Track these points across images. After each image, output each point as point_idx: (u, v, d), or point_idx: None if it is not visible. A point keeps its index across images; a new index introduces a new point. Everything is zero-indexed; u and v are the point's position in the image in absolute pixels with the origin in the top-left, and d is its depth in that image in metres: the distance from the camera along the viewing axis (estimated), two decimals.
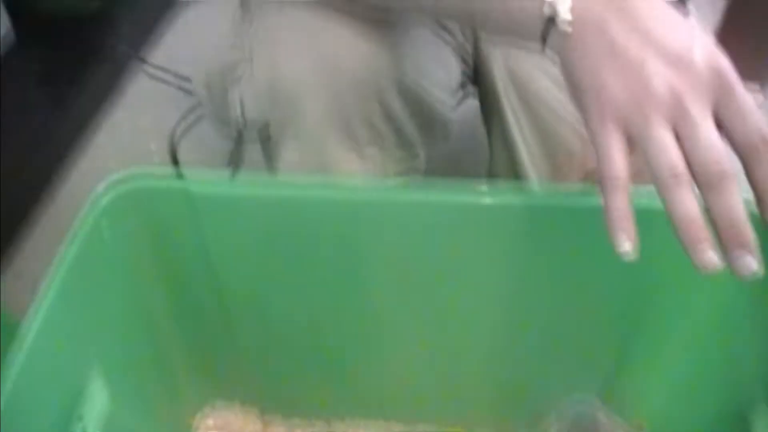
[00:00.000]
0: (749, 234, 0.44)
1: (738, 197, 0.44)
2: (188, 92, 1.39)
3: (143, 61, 1.48)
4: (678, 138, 0.45)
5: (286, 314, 0.70)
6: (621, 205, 0.46)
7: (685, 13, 0.53)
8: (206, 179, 0.60)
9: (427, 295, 0.67)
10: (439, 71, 0.73)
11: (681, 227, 0.44)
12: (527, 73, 0.78)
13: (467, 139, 1.05)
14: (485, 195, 0.60)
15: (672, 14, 0.49)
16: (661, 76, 0.46)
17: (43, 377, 0.53)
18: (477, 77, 0.85)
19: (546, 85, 0.77)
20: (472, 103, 0.90)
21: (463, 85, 0.84)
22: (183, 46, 1.58)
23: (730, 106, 0.46)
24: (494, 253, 0.64)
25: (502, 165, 0.82)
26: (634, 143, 0.47)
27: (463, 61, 0.82)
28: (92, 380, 0.60)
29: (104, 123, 1.41)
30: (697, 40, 0.47)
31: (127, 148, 1.35)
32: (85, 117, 1.39)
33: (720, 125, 0.46)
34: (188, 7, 1.70)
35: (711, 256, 0.43)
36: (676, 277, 0.63)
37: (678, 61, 0.46)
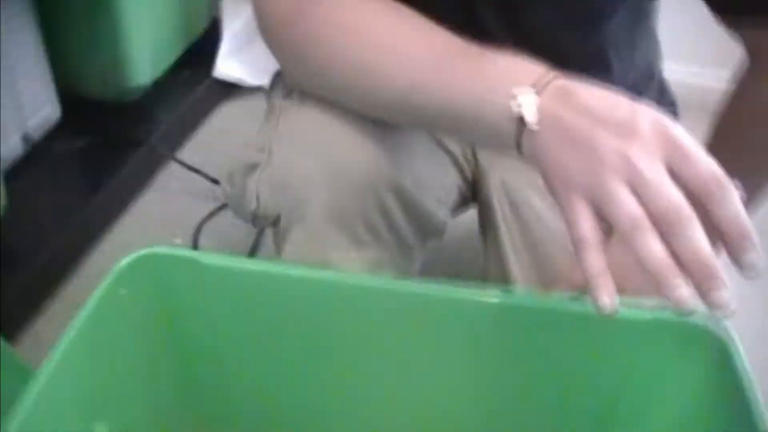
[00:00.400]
0: (716, 269, 0.47)
1: (699, 235, 0.48)
2: (216, 183, 1.48)
3: (176, 160, 1.57)
4: (636, 195, 0.50)
5: (282, 392, 0.75)
6: (594, 263, 0.50)
7: None
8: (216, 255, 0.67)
9: (402, 381, 0.72)
10: (435, 178, 0.80)
11: (653, 272, 0.48)
12: (521, 190, 0.85)
13: (465, 248, 1.12)
14: (468, 292, 0.66)
15: (613, 95, 0.55)
16: (610, 146, 0.51)
17: (47, 423, 0.58)
18: (475, 189, 0.92)
19: (538, 202, 0.84)
20: (472, 213, 0.97)
21: (462, 196, 0.91)
22: (215, 144, 1.68)
23: (679, 158, 0.50)
24: (473, 348, 0.69)
25: (495, 275, 0.88)
26: (600, 211, 0.51)
27: (462, 171, 0.90)
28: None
29: (133, 209, 1.50)
30: (639, 110, 0.53)
31: (152, 234, 1.43)
32: (116, 201, 1.47)
33: (676, 178, 0.50)
34: (224, 106, 1.82)
35: (684, 294, 0.47)
36: (644, 375, 0.68)
37: (624, 130, 0.52)
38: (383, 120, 0.71)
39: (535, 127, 0.56)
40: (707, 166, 0.50)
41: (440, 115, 0.64)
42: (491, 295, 0.66)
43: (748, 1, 0.72)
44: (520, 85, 0.58)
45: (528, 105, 0.56)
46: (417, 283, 0.68)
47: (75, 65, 1.50)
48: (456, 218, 0.95)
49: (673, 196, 0.49)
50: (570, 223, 0.53)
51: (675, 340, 0.65)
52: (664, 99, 0.95)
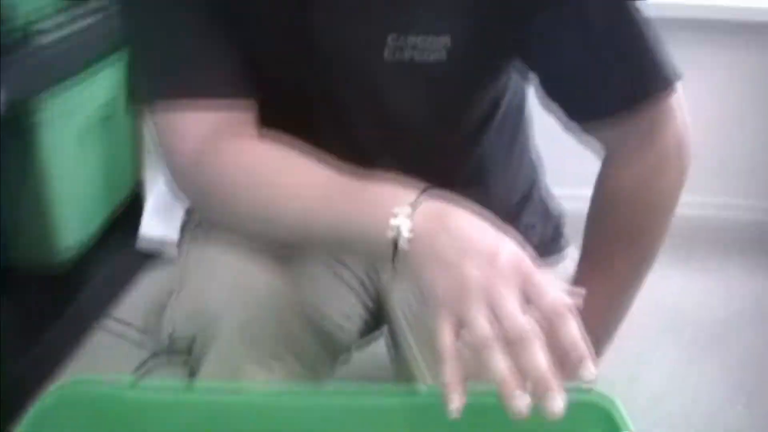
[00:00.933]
0: (551, 381, 0.56)
1: (539, 353, 0.57)
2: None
3: (107, 315, 1.61)
4: (493, 316, 0.59)
5: None
6: (450, 372, 0.59)
7: None
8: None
9: None
10: (338, 297, 0.87)
11: (497, 383, 0.57)
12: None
13: (376, 370, 1.17)
14: (386, 395, 0.71)
15: (484, 227, 0.64)
16: (474, 274, 0.60)
17: None
18: (381, 309, 0.98)
19: None
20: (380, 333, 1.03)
21: (368, 316, 0.97)
22: (143, 304, 1.73)
23: (531, 289, 0.60)
24: None
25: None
26: (461, 326, 0.60)
27: (366, 290, 0.96)
28: None
29: (67, 370, 1.52)
30: (503, 245, 0.62)
31: None
32: (48, 365, 1.50)
33: (528, 303, 0.60)
34: (154, 267, 1.87)
35: (520, 404, 0.56)
36: None
37: (487, 261, 0.61)
38: (284, 244, 0.78)
39: (407, 248, 0.65)
40: (552, 298, 0.60)
41: (329, 240, 0.73)
42: (399, 394, 0.71)
43: (598, 108, 0.82)
44: (394, 209, 0.67)
45: (401, 228, 0.65)
46: (330, 391, 0.72)
47: (3, 236, 1.54)
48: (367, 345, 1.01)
49: (520, 322, 0.58)
50: (436, 336, 0.61)
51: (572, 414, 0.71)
52: (548, 218, 1.04)
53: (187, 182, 0.80)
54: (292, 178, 0.75)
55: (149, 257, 1.88)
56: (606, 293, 0.89)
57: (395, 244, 0.65)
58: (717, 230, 2.21)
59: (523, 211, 0.99)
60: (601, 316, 0.88)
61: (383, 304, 0.97)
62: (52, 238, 1.57)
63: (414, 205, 0.66)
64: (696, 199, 2.07)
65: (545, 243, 1.01)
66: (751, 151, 2.26)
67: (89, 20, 1.59)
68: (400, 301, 0.94)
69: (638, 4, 0.79)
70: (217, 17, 0.79)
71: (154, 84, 0.81)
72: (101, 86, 1.63)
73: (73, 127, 1.57)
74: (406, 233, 0.65)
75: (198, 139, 0.78)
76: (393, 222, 0.66)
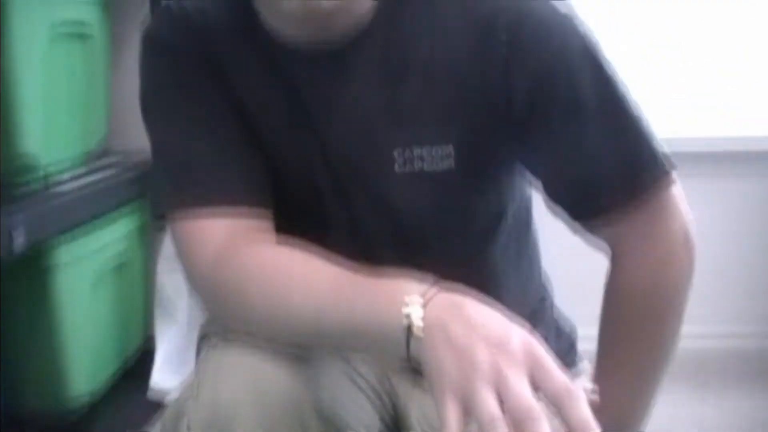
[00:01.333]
0: None
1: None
2: None
3: None
4: (500, 396, 0.60)
5: None
6: None
7: None
8: None
9: None
10: (355, 404, 0.87)
11: None
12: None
13: None
14: None
15: (495, 315, 0.67)
16: (484, 357, 0.62)
17: None
18: (400, 426, 0.97)
19: None
20: None
21: (385, 427, 0.96)
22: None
23: (540, 372, 0.62)
24: None
25: None
26: (467, 408, 0.61)
27: (382, 403, 0.95)
28: None
29: None
30: (513, 330, 0.65)
31: None
32: None
33: (537, 386, 0.61)
34: (161, 418, 1.84)
35: None
36: None
37: (498, 345, 0.63)
38: (299, 345, 0.80)
39: (421, 335, 0.67)
40: (560, 380, 0.62)
41: (344, 333, 0.74)
42: None
43: (600, 206, 0.86)
44: (406, 298, 0.69)
45: (415, 316, 0.68)
46: None
47: (13, 380, 1.53)
48: None
49: (525, 400, 0.60)
50: (441, 419, 0.63)
51: None
52: (560, 333, 1.05)
53: (205, 286, 0.82)
54: (305, 273, 0.78)
55: (160, 407, 1.85)
56: (625, 390, 0.89)
57: (408, 331, 0.68)
58: (732, 357, 2.21)
59: (535, 324, 0.99)
60: (622, 413, 0.87)
61: (401, 417, 0.96)
62: (62, 385, 1.56)
63: (425, 295, 0.69)
64: (707, 330, 2.10)
65: (559, 357, 1.00)
66: (759, 278, 2.29)
67: (106, 173, 1.65)
68: (418, 418, 0.94)
69: (630, 99, 0.83)
70: (233, 127, 0.84)
71: (173, 193, 0.85)
72: (115, 235, 1.67)
73: (87, 275, 1.59)
74: (418, 321, 0.67)
75: (216, 245, 0.81)
76: (405, 310, 0.68)
